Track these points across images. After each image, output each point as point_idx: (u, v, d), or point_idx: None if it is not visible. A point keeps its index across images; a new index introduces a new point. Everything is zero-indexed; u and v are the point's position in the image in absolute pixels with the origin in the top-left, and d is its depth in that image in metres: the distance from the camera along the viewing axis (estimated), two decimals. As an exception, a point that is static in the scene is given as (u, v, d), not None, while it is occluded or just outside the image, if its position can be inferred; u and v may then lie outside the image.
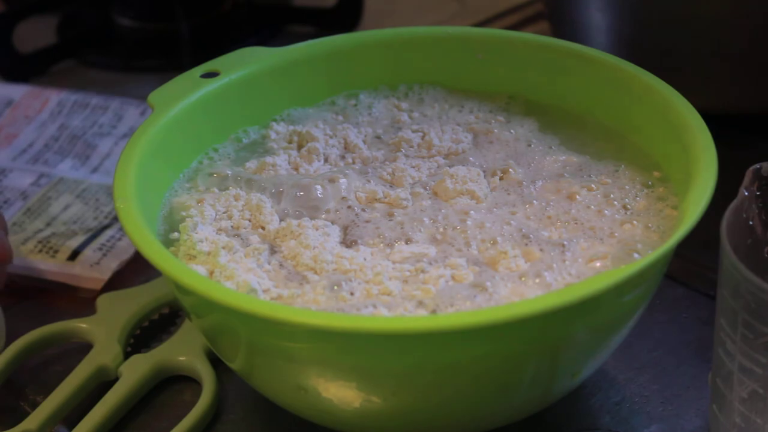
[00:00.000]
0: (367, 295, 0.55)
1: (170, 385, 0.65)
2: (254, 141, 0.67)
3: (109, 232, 0.75)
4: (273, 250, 0.58)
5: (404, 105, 0.69)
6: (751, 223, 0.55)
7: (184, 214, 0.60)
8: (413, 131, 0.66)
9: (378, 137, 0.67)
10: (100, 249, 0.73)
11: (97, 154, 0.83)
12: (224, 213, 0.61)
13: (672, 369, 0.64)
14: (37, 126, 0.86)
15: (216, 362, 0.64)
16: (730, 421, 0.55)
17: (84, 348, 0.65)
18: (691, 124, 0.59)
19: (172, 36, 0.97)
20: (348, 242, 0.59)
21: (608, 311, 0.54)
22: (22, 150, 0.84)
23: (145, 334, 0.68)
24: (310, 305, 0.54)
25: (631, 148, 0.64)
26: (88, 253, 0.73)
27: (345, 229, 0.59)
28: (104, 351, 0.64)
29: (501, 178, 0.62)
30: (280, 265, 0.57)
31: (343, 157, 0.65)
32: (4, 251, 0.66)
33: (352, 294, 0.55)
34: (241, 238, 0.59)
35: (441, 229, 0.59)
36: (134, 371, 0.63)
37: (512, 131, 0.66)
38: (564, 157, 0.63)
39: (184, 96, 0.64)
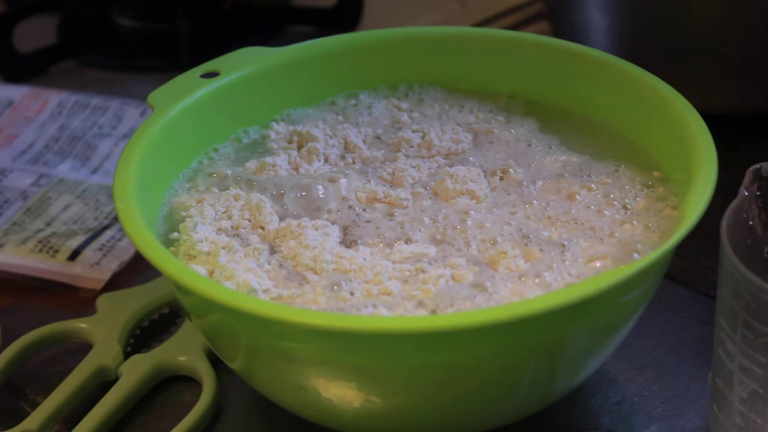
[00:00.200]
0: (367, 295, 0.55)
1: (170, 385, 0.65)
2: (254, 141, 0.67)
3: (109, 233, 0.75)
4: (273, 250, 0.58)
5: (404, 105, 0.69)
6: (751, 223, 0.55)
7: (184, 214, 0.60)
8: (413, 131, 0.66)
9: (378, 137, 0.67)
10: (100, 249, 0.73)
11: (97, 155, 0.83)
12: (224, 213, 0.61)
13: (672, 369, 0.64)
14: (37, 127, 0.86)
15: (216, 362, 0.64)
16: (730, 421, 0.55)
17: (84, 348, 0.65)
18: (691, 124, 0.59)
19: (172, 36, 0.97)
20: (348, 242, 0.59)
21: (608, 311, 0.54)
22: (22, 151, 0.84)
23: (145, 334, 0.68)
24: (310, 305, 0.54)
25: (631, 148, 0.64)
26: (88, 253, 0.73)
27: (345, 229, 0.59)
28: (104, 351, 0.64)
29: (501, 178, 0.62)
30: (280, 265, 0.57)
31: (343, 157, 0.65)
32: None
33: (352, 294, 0.55)
34: (241, 238, 0.59)
35: (441, 229, 0.59)
36: (134, 371, 0.63)
37: (512, 131, 0.66)
38: (564, 157, 0.63)
39: (184, 96, 0.64)
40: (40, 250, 0.73)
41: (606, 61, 0.65)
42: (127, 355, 0.65)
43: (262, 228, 0.60)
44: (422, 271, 0.56)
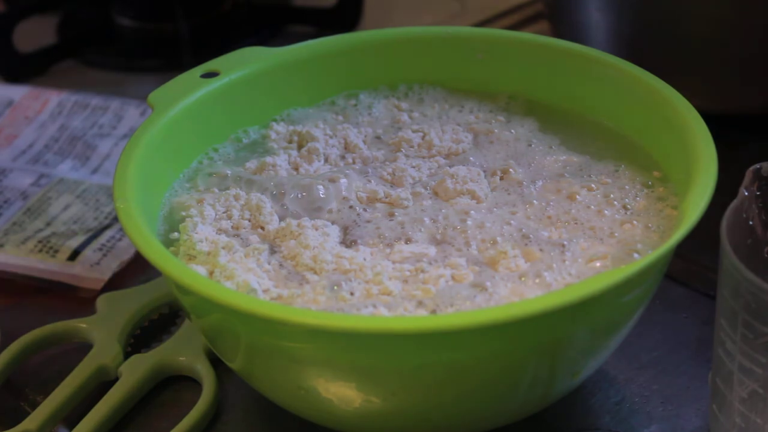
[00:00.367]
0: (367, 295, 0.55)
1: (170, 385, 0.65)
2: (254, 141, 0.67)
3: (109, 233, 0.75)
4: (273, 250, 0.58)
5: (404, 105, 0.69)
6: (751, 223, 0.55)
7: (184, 214, 0.60)
8: (413, 131, 0.66)
9: (378, 137, 0.67)
10: (100, 249, 0.73)
11: (97, 155, 0.83)
12: (224, 213, 0.61)
13: (672, 369, 0.64)
14: (37, 127, 0.86)
15: (216, 362, 0.64)
16: (730, 421, 0.55)
17: (84, 348, 0.65)
18: (691, 124, 0.59)
19: (172, 36, 0.97)
20: (348, 242, 0.59)
21: (608, 311, 0.54)
22: (22, 151, 0.84)
23: (145, 334, 0.68)
24: (310, 305, 0.54)
25: (631, 148, 0.64)
26: (88, 253, 0.73)
27: (345, 229, 0.59)
28: (104, 351, 0.64)
29: (501, 178, 0.62)
30: (280, 265, 0.57)
31: (343, 157, 0.65)
32: None
33: (352, 294, 0.55)
34: (241, 238, 0.59)
35: (441, 229, 0.59)
36: (134, 371, 0.63)
37: (512, 131, 0.66)
38: (564, 157, 0.63)
39: (184, 96, 0.64)
40: (40, 250, 0.73)
41: (606, 61, 0.65)
42: (127, 355, 0.65)
43: (262, 228, 0.60)
44: (422, 271, 0.56)
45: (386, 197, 0.61)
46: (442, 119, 0.68)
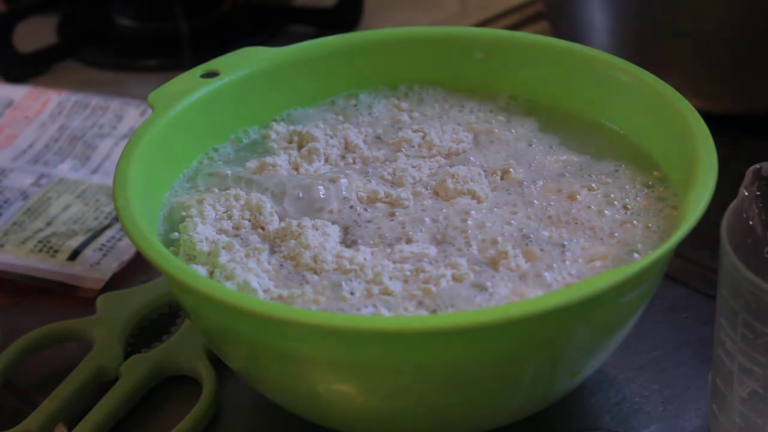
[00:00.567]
0: (368, 295, 0.55)
1: (170, 385, 0.65)
2: (254, 141, 0.67)
3: (109, 233, 0.75)
4: (273, 250, 0.58)
5: (404, 105, 0.69)
6: (751, 223, 0.55)
7: (184, 214, 0.60)
8: (414, 131, 0.66)
9: (378, 137, 0.67)
10: (101, 249, 0.73)
11: (97, 155, 0.83)
12: (224, 213, 0.60)
13: (672, 369, 0.64)
14: (37, 127, 0.86)
15: (216, 362, 0.64)
16: (730, 421, 0.55)
17: (84, 348, 0.65)
18: (691, 124, 0.60)
19: (172, 36, 0.97)
20: (348, 242, 0.59)
21: (608, 311, 0.54)
22: (22, 151, 0.84)
23: (145, 334, 0.68)
24: (310, 305, 0.54)
25: (631, 148, 0.64)
26: (88, 253, 0.73)
27: (346, 229, 0.59)
28: (104, 351, 0.64)
29: (502, 178, 0.62)
30: (280, 265, 0.57)
31: (343, 157, 0.65)
32: None
33: (352, 294, 0.55)
34: (241, 238, 0.59)
35: (441, 229, 0.59)
36: (134, 371, 0.63)
37: (513, 131, 0.66)
38: (565, 157, 0.64)
39: (184, 96, 0.64)
40: (40, 250, 0.73)
41: (606, 61, 0.65)
42: (127, 355, 0.65)
43: (262, 228, 0.60)
44: (423, 271, 0.56)
45: (387, 197, 0.61)
46: (443, 119, 0.68)
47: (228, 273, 0.56)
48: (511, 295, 0.54)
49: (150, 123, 0.62)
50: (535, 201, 0.60)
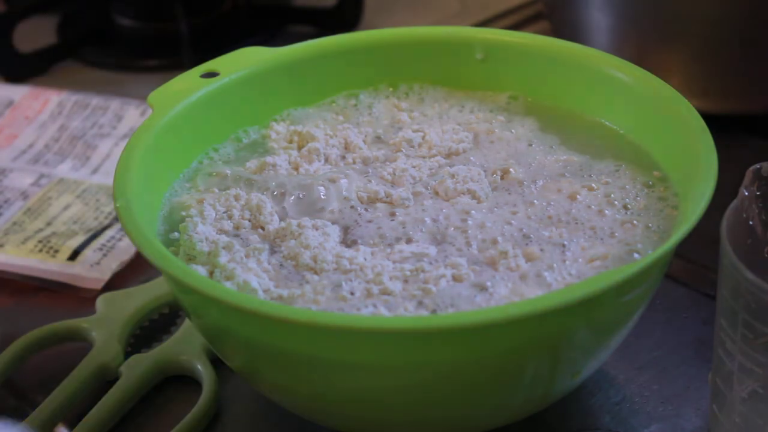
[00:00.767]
0: (367, 295, 0.55)
1: (170, 385, 0.65)
2: (254, 141, 0.67)
3: (109, 233, 0.75)
4: (273, 250, 0.58)
5: (404, 105, 0.69)
6: (751, 223, 0.55)
7: (184, 214, 0.60)
8: (414, 131, 0.66)
9: (378, 137, 0.67)
10: (101, 249, 0.73)
11: (97, 155, 0.83)
12: (224, 213, 0.60)
13: (672, 369, 0.64)
14: (37, 127, 0.86)
15: (216, 362, 0.64)
16: (730, 421, 0.55)
17: (84, 348, 0.65)
18: (691, 124, 0.60)
19: (172, 36, 0.97)
20: (348, 242, 0.59)
21: (608, 311, 0.54)
22: (22, 151, 0.84)
23: (145, 334, 0.68)
24: (311, 305, 0.54)
25: (631, 148, 0.64)
26: (89, 253, 0.73)
27: (346, 229, 0.59)
28: (104, 351, 0.64)
29: (502, 178, 0.62)
30: (280, 265, 0.57)
31: (343, 157, 0.65)
32: None
33: (352, 294, 0.55)
34: (241, 238, 0.59)
35: (442, 229, 0.59)
36: (134, 371, 0.63)
37: (513, 131, 0.66)
38: (565, 157, 0.63)
39: (184, 96, 0.64)
40: (40, 250, 0.73)
41: (606, 61, 0.65)
42: (127, 355, 0.65)
43: (263, 228, 0.60)
44: (423, 270, 0.56)
45: (387, 197, 0.61)
46: (443, 119, 0.68)
47: (228, 273, 0.56)
48: (511, 295, 0.54)
49: (150, 123, 0.62)
50: (535, 201, 0.60)
